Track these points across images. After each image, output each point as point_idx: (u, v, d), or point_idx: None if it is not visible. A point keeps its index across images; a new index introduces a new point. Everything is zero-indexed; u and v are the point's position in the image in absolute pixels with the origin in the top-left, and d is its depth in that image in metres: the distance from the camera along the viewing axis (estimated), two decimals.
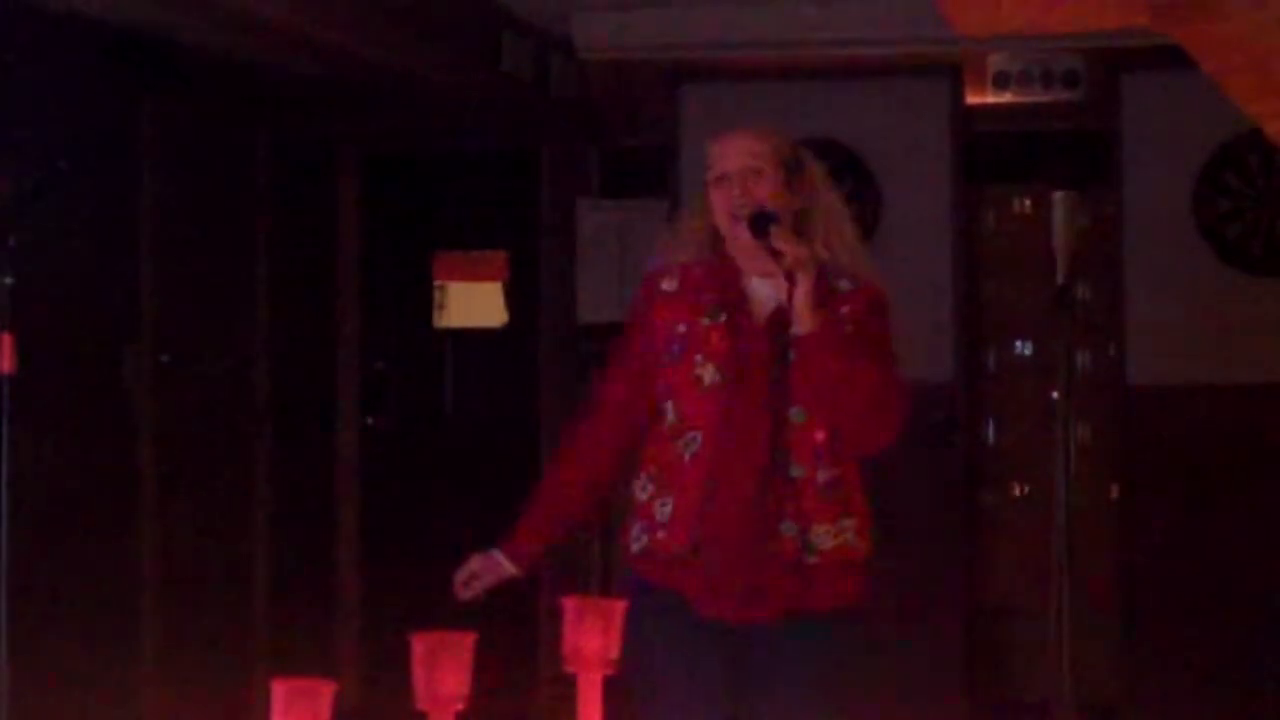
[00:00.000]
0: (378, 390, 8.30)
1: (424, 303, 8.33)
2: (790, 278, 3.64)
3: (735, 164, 3.84)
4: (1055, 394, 5.37)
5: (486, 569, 3.88)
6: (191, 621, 6.86)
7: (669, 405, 3.81)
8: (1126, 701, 7.36)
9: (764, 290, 3.81)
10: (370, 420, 8.25)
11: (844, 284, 3.84)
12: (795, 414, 3.73)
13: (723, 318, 3.80)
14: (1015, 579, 7.79)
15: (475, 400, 8.31)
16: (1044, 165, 7.75)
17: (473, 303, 8.30)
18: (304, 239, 7.94)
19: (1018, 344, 7.88)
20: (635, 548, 3.83)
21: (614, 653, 2.49)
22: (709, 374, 3.77)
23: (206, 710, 6.70)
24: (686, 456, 3.76)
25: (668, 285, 3.87)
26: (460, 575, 3.89)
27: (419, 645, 2.40)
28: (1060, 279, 5.18)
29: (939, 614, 7.43)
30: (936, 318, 7.44)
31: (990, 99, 7.55)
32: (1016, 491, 7.86)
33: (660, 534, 3.78)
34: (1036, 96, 7.47)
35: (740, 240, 3.80)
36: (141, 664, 6.61)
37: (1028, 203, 7.87)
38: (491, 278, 8.29)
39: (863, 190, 7.58)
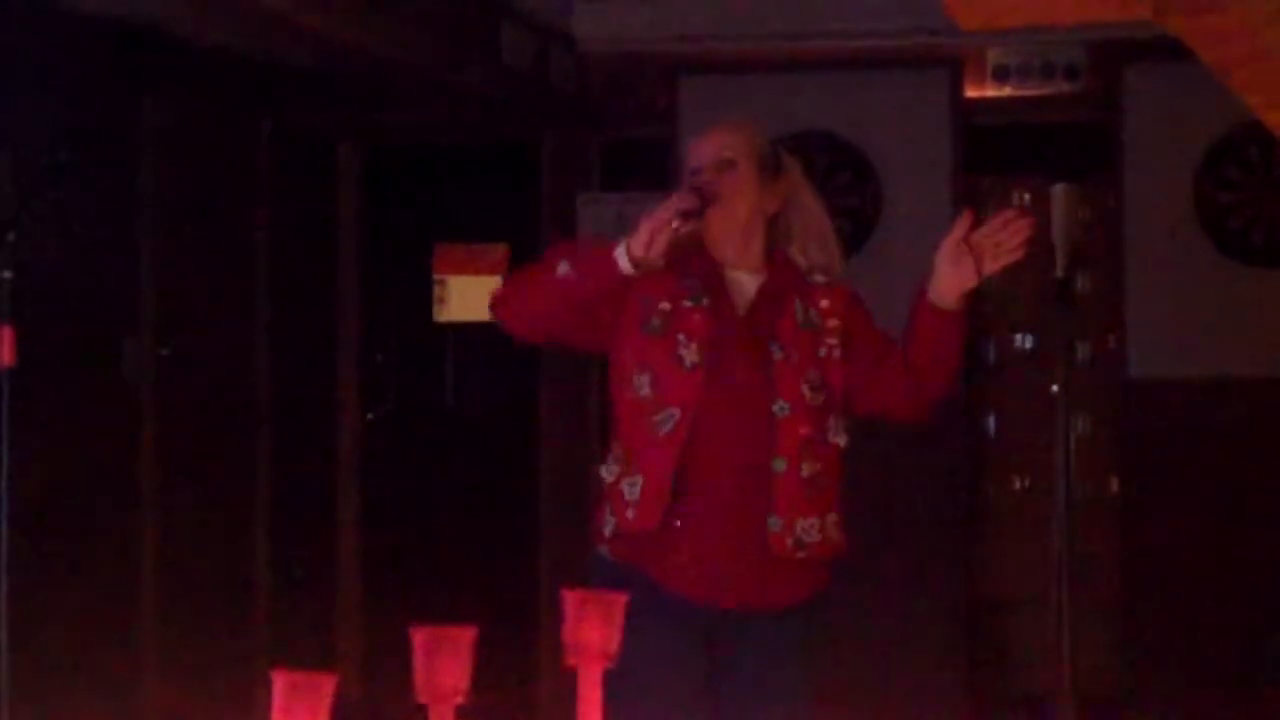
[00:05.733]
0: (378, 383, 8.30)
1: (424, 296, 8.32)
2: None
3: (708, 156, 3.87)
4: (1055, 386, 5.36)
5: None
6: (192, 615, 6.86)
7: (645, 379, 3.77)
8: (1127, 694, 7.36)
9: (744, 281, 3.84)
10: (370, 414, 8.25)
11: (819, 277, 3.87)
12: (779, 409, 3.73)
13: (705, 302, 3.79)
14: (1015, 572, 7.79)
15: (476, 394, 8.32)
16: (1044, 158, 7.75)
17: (473, 296, 8.30)
18: (304, 232, 7.94)
19: (1018, 337, 7.88)
20: (606, 531, 3.81)
21: (615, 646, 2.49)
22: (691, 354, 3.75)
23: (207, 704, 6.70)
24: (661, 433, 3.73)
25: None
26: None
27: (419, 638, 2.39)
28: (1060, 271, 5.17)
29: (939, 607, 7.43)
30: None
31: (990, 91, 7.54)
32: (1017, 484, 7.86)
33: (629, 513, 3.75)
34: (1036, 89, 7.47)
35: (711, 229, 3.80)
36: (142, 657, 6.61)
37: (1027, 195, 7.87)
38: (492, 271, 8.29)
39: (862, 183, 7.58)
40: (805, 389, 3.75)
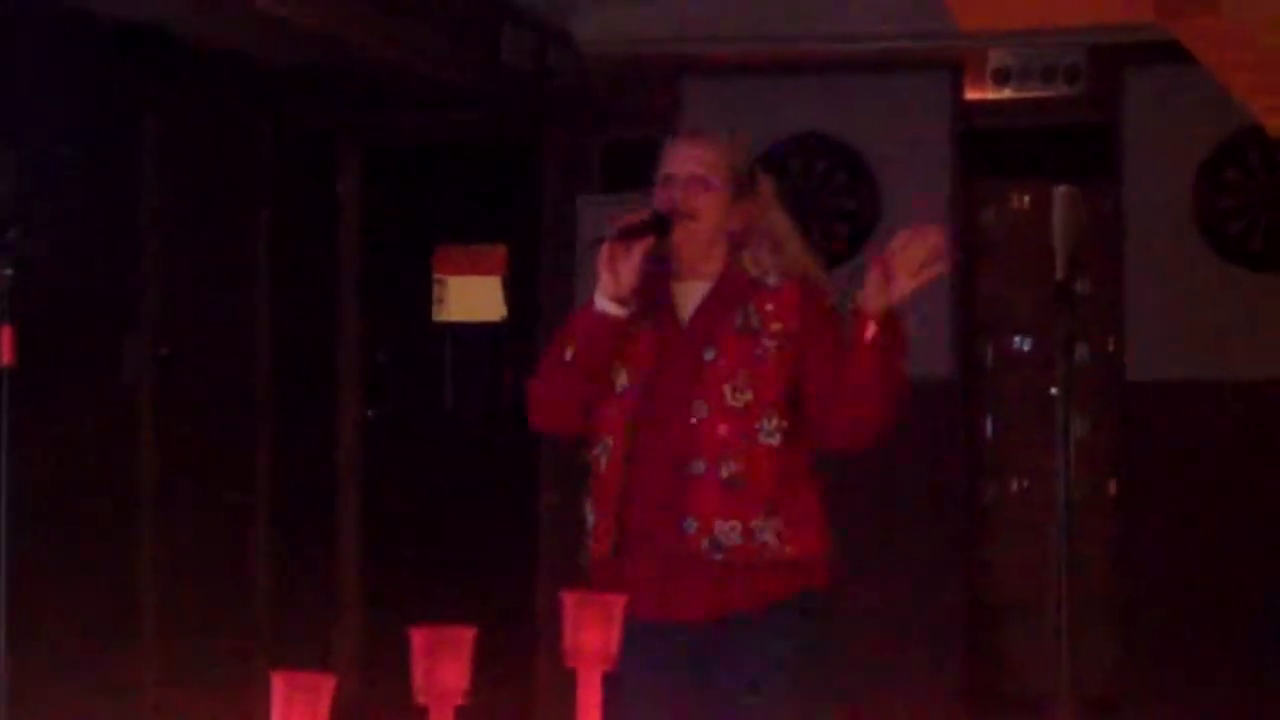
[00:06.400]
0: (378, 383, 8.30)
1: (424, 296, 8.33)
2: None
3: (682, 168, 3.87)
4: (1054, 389, 5.36)
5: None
6: (191, 614, 6.87)
7: (590, 413, 3.83)
8: (1125, 696, 7.36)
9: (692, 292, 3.84)
10: (370, 413, 8.26)
11: (770, 279, 3.84)
12: (698, 410, 3.73)
13: (647, 324, 3.81)
14: (1013, 574, 7.79)
15: (475, 394, 8.31)
16: (1044, 160, 7.75)
17: (472, 296, 8.30)
18: (304, 232, 7.94)
19: (1016, 339, 7.88)
20: (582, 562, 3.88)
21: (614, 648, 2.50)
22: (621, 379, 3.79)
23: (206, 704, 6.70)
24: (602, 463, 3.80)
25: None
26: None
27: (418, 639, 2.40)
28: (1060, 274, 5.17)
29: (937, 608, 7.43)
30: (935, 313, 7.43)
31: (990, 94, 7.55)
32: (1015, 486, 7.86)
33: (590, 543, 3.83)
34: (1037, 92, 7.47)
35: (673, 242, 3.81)
36: (141, 657, 6.62)
37: (1027, 198, 7.87)
38: (491, 271, 8.29)
39: (862, 186, 7.58)
40: (727, 389, 3.74)
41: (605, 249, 3.73)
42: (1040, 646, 7.05)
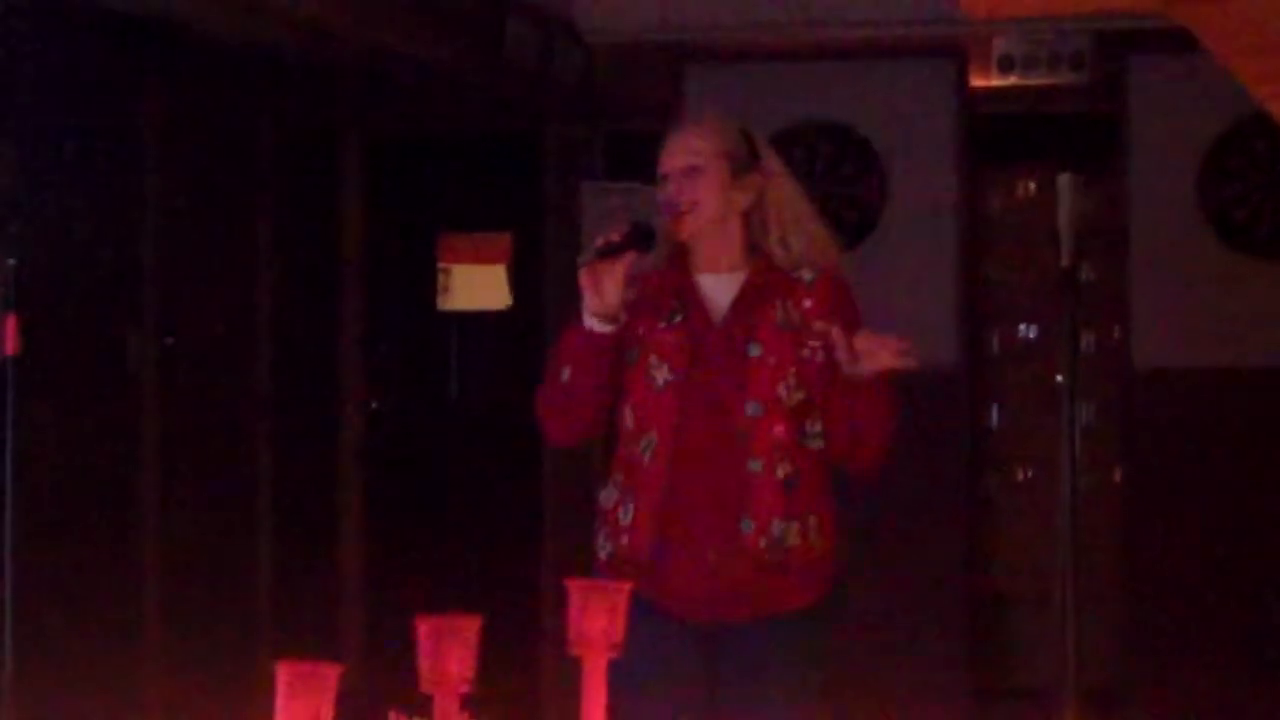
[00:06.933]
0: (381, 373, 8.29)
1: (428, 285, 8.32)
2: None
3: (675, 163, 3.85)
4: (1059, 377, 5.35)
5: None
6: (194, 605, 6.86)
7: (627, 408, 3.80)
8: (1130, 687, 7.35)
9: (721, 286, 3.82)
10: (374, 403, 8.25)
11: (805, 274, 3.82)
12: (753, 409, 3.72)
13: (679, 319, 3.78)
14: (1018, 564, 7.79)
15: (479, 383, 8.31)
16: (1049, 148, 7.74)
17: (477, 285, 8.29)
18: (307, 222, 7.93)
19: (1022, 327, 7.88)
20: (602, 555, 3.83)
21: (618, 636, 2.49)
22: (663, 374, 3.76)
23: (209, 695, 6.69)
24: (646, 458, 3.75)
25: (628, 295, 3.81)
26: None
27: (424, 628, 2.39)
28: (1065, 262, 5.16)
29: (941, 599, 7.42)
30: (940, 300, 7.43)
31: (996, 81, 7.53)
32: (1020, 475, 7.86)
33: (624, 539, 3.78)
34: (1042, 79, 7.45)
35: (681, 234, 3.80)
36: (144, 648, 6.61)
37: (1033, 185, 7.86)
38: (495, 260, 8.28)
39: (868, 173, 7.57)
40: (781, 389, 3.73)
41: (585, 270, 3.69)
42: (1044, 636, 7.05)
